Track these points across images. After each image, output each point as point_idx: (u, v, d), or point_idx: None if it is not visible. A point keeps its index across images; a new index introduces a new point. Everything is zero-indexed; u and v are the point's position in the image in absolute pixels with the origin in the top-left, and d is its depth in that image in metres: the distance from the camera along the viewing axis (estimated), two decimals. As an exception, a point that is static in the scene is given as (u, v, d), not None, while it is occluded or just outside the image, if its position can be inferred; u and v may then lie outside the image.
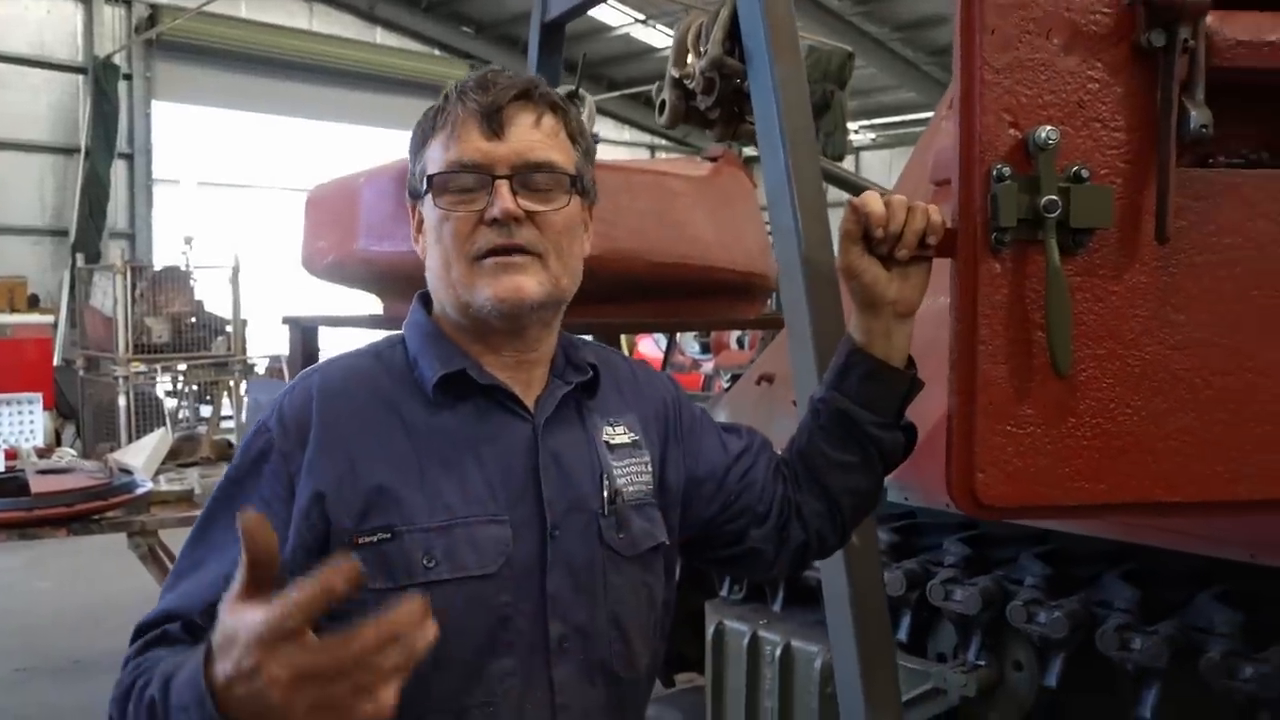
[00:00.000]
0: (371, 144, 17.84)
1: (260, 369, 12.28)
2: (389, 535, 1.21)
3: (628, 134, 22.96)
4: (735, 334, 14.18)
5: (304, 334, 5.86)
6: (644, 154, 22.78)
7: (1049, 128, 1.36)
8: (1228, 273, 1.44)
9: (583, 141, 1.37)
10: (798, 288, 1.98)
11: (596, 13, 18.30)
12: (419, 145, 1.34)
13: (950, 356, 1.43)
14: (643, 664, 1.39)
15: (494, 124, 1.27)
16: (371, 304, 5.77)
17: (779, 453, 1.59)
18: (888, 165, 22.37)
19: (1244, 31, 1.41)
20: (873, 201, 1.39)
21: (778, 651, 2.76)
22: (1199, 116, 1.36)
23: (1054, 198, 1.36)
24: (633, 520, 1.36)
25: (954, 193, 1.43)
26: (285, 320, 6.02)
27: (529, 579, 1.26)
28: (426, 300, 1.40)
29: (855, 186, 4.64)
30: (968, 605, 2.32)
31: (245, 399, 9.83)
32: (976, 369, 1.40)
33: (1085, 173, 1.38)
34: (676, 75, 2.25)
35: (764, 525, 1.51)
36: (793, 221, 1.99)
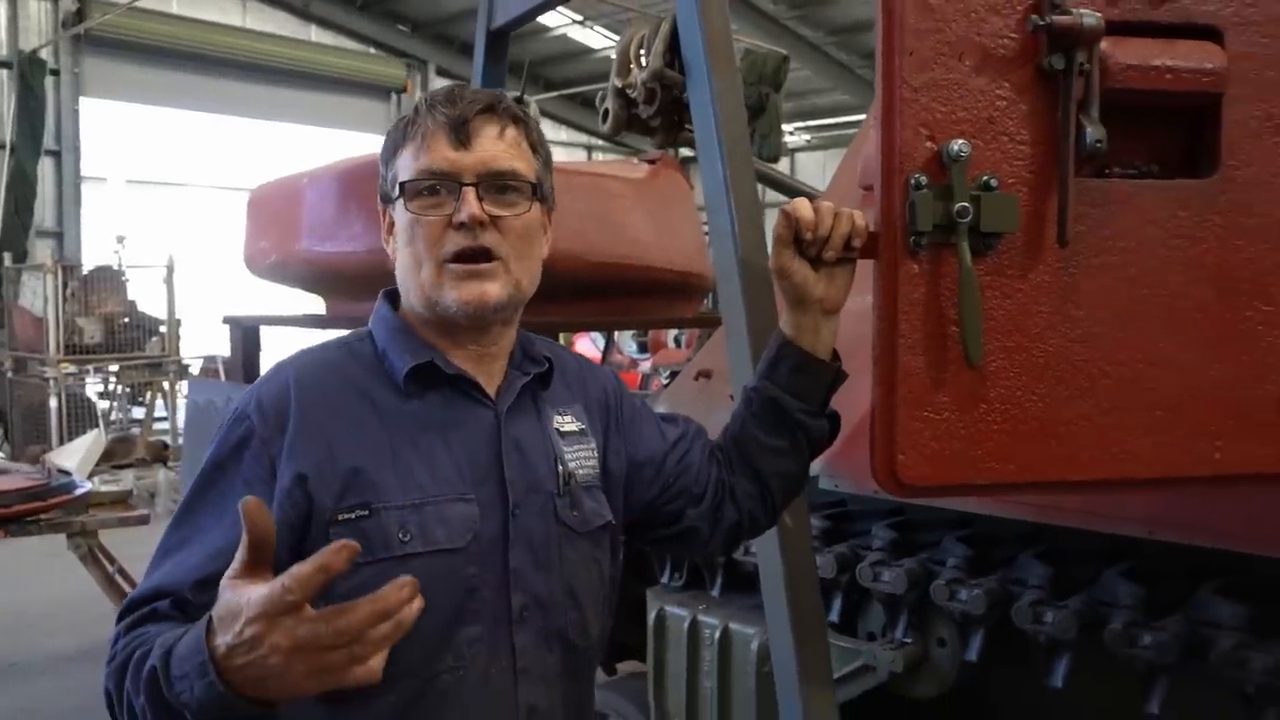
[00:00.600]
0: (308, 143, 17.71)
1: (195, 369, 12.13)
2: (366, 512, 1.31)
3: (565, 134, 23.03)
4: (672, 332, 14.35)
5: (245, 334, 5.87)
6: (581, 155, 22.87)
7: (961, 141, 1.49)
8: (1121, 273, 1.59)
9: (543, 151, 1.49)
10: (735, 288, 2.10)
11: (549, 19, 18.35)
12: (390, 154, 1.45)
13: (873, 350, 1.56)
14: (594, 633, 1.52)
15: (461, 135, 1.37)
16: (311, 304, 5.80)
17: (714, 440, 1.72)
18: (822, 167, 22.72)
19: (1133, 56, 1.56)
20: (803, 208, 1.52)
21: (716, 634, 2.88)
22: (1094, 133, 1.51)
23: (966, 205, 1.49)
24: (584, 500, 1.49)
25: (876, 199, 1.56)
26: (226, 320, 6.01)
27: (493, 553, 1.37)
28: (391, 297, 1.51)
29: (790, 188, 4.80)
30: (895, 586, 2.46)
31: (183, 399, 9.71)
32: (897, 361, 1.54)
33: (994, 182, 1.52)
34: (620, 85, 2.36)
35: (700, 505, 1.64)
36: (730, 226, 2.11)
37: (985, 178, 1.52)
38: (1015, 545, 2.51)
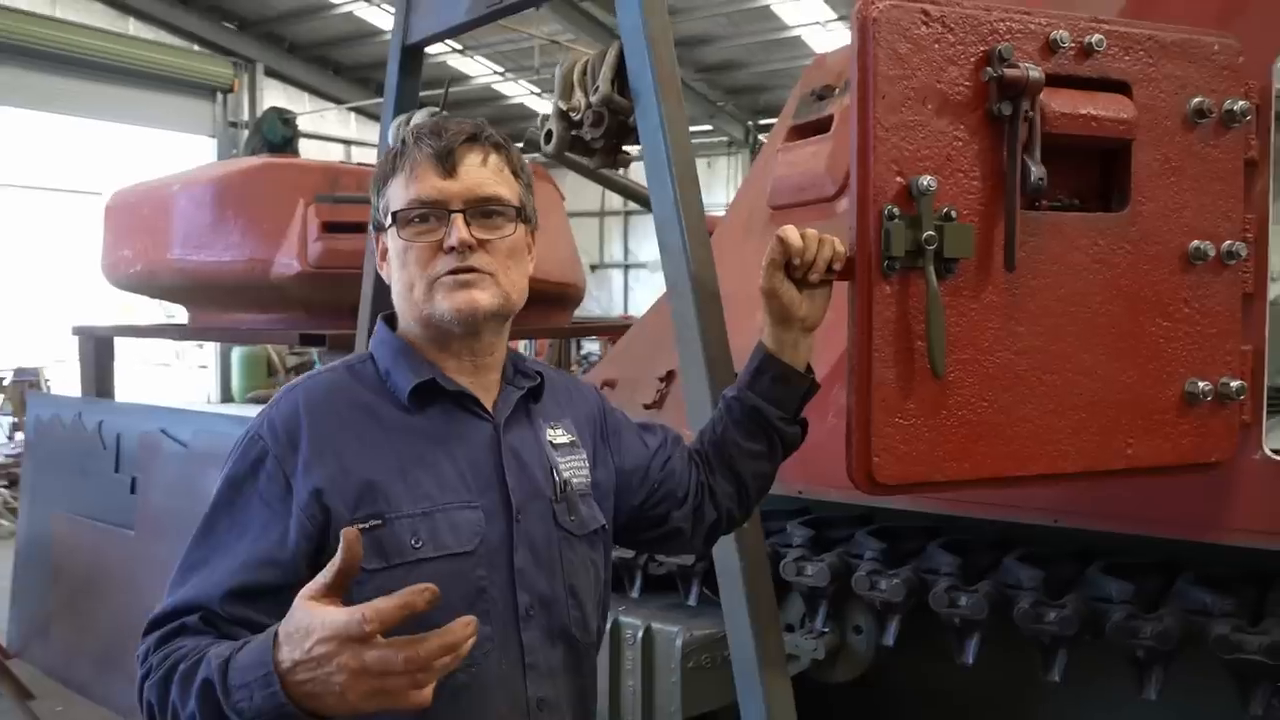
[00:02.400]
0: (128, 143, 16.78)
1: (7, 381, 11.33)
2: (380, 522, 1.39)
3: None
4: (522, 343, 14.35)
5: (98, 344, 5.61)
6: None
7: (929, 176, 1.69)
8: (1054, 294, 1.82)
9: (524, 175, 1.59)
10: (688, 303, 2.24)
11: (366, 15, 17.97)
12: (381, 184, 1.55)
13: (849, 363, 1.74)
14: (594, 628, 1.63)
15: (447, 164, 1.47)
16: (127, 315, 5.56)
17: (691, 444, 1.86)
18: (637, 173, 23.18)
19: (1065, 105, 1.79)
20: (793, 235, 1.67)
21: (639, 634, 3.00)
22: (1037, 171, 1.73)
23: (932, 233, 1.69)
24: (579, 507, 1.60)
25: (850, 227, 1.73)
26: (76, 331, 5.72)
27: (499, 556, 1.47)
28: (390, 320, 1.60)
29: (639, 195, 4.96)
30: (818, 579, 2.66)
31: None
32: (872, 372, 1.71)
33: (953, 213, 1.72)
34: (564, 108, 2.46)
35: (683, 507, 1.78)
36: (681, 244, 2.25)
37: (946, 209, 1.71)
38: (921, 537, 2.75)
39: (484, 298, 1.47)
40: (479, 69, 19.78)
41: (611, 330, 5.96)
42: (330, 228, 4.62)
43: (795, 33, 17.56)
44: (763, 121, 20.79)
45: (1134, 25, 1.86)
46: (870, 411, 1.71)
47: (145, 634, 1.34)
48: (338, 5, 17.67)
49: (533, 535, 1.51)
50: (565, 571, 1.55)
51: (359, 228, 4.68)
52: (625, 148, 2.55)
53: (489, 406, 1.55)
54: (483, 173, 1.50)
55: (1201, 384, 1.92)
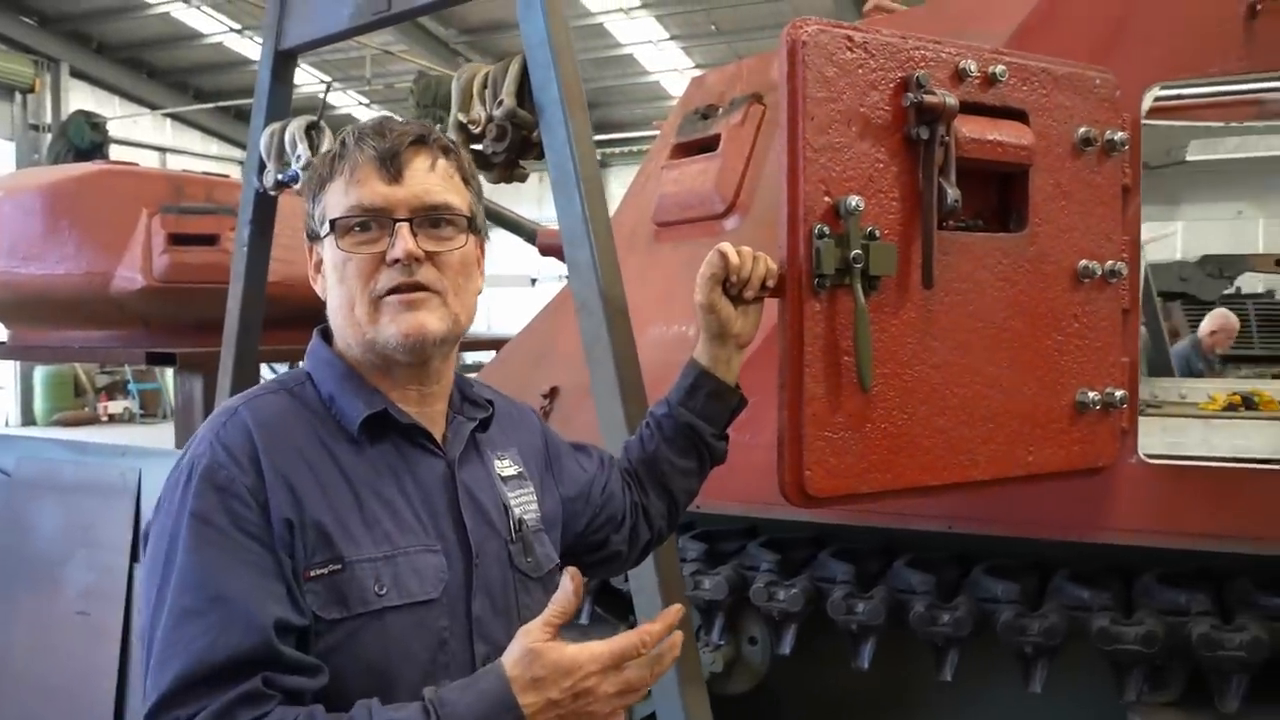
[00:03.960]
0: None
1: None
2: (339, 566, 1.25)
3: (215, 147, 21.66)
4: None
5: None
6: (233, 169, 21.57)
7: (857, 196, 1.74)
8: (963, 310, 1.91)
9: (475, 183, 1.46)
10: (598, 318, 2.23)
11: (185, 16, 17.16)
12: (317, 189, 1.40)
13: (780, 378, 1.77)
14: None
15: (392, 168, 1.34)
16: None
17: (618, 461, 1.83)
18: (487, 189, 23.00)
19: (974, 131, 1.88)
20: (732, 253, 1.68)
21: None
22: (953, 193, 1.81)
23: (859, 252, 1.74)
24: (535, 546, 1.49)
25: (780, 245, 1.76)
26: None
27: (458, 603, 1.35)
28: (326, 335, 1.44)
29: (501, 216, 4.93)
30: (715, 592, 2.69)
31: None
32: (803, 387, 1.75)
33: (877, 233, 1.77)
34: (463, 120, 2.41)
35: (621, 530, 1.74)
36: (591, 259, 2.24)
37: (870, 228, 1.77)
38: (809, 547, 2.82)
39: (433, 322, 1.34)
40: (304, 77, 19.11)
41: (483, 346, 5.85)
42: (177, 240, 4.35)
43: (628, 50, 17.81)
44: (596, 137, 20.94)
45: (1030, 58, 1.98)
46: (802, 425, 1.75)
47: (166, 709, 1.14)
48: (153, 5, 16.75)
49: (490, 580, 1.40)
50: (522, 619, 1.40)
51: (208, 240, 4.44)
52: (522, 162, 2.51)
53: (439, 439, 1.42)
54: (431, 178, 1.36)
55: (1091, 393, 2.05)
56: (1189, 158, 4.44)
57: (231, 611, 1.17)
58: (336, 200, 1.36)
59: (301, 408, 1.36)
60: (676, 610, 1.17)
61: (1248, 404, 4.58)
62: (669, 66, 18.40)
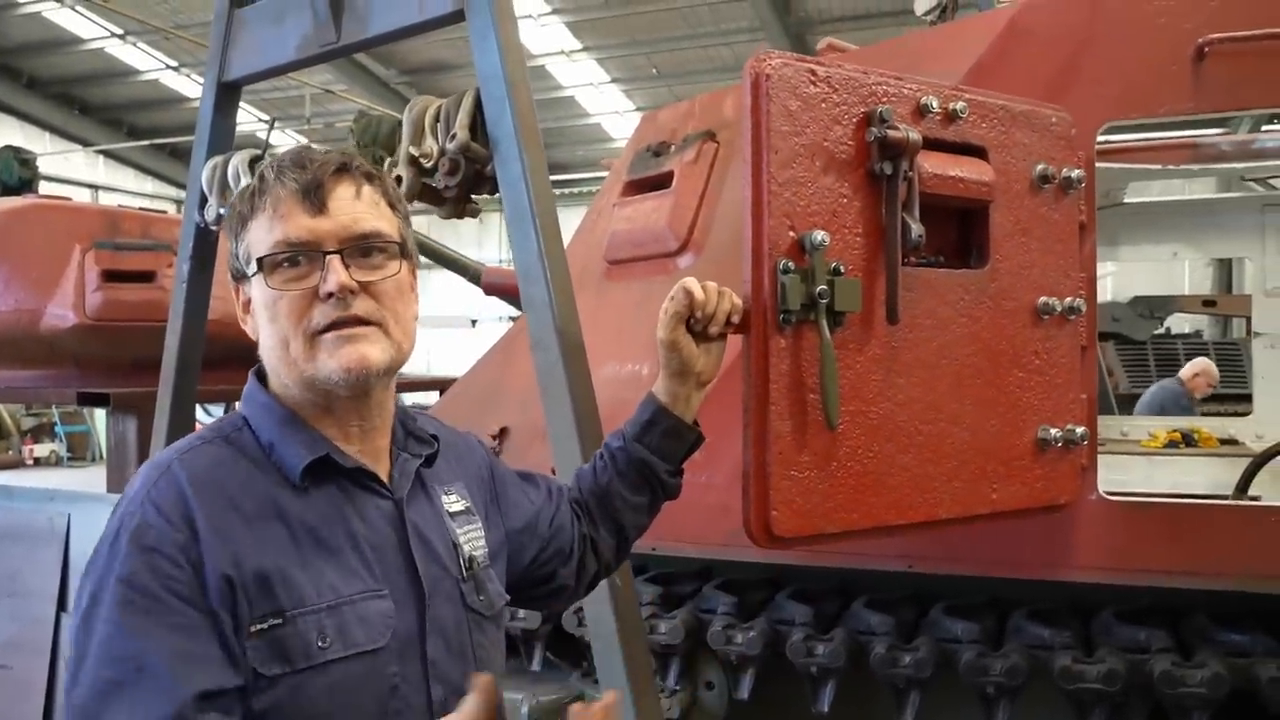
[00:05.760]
0: None
1: None
2: (280, 620, 1.21)
3: (150, 185, 21.30)
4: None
5: None
6: (168, 207, 21.20)
7: (822, 232, 1.71)
8: (926, 346, 1.89)
9: (401, 207, 1.42)
10: (554, 355, 2.17)
11: (120, 53, 16.90)
12: (238, 228, 1.35)
13: (745, 416, 1.73)
14: (505, 716, 1.50)
15: (316, 199, 1.30)
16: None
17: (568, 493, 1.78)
18: (426, 228, 22.90)
19: (936, 166, 1.88)
20: (697, 287, 1.65)
21: (481, 704, 2.86)
22: (917, 229, 1.80)
23: (825, 287, 1.71)
24: (486, 584, 1.45)
25: (744, 280, 1.73)
26: None
27: (411, 648, 1.31)
28: (261, 376, 1.38)
29: (445, 256, 4.87)
30: (671, 636, 2.62)
31: None
32: (768, 425, 1.71)
33: (842, 268, 1.75)
34: (415, 154, 2.35)
35: (570, 563, 1.69)
36: (547, 296, 2.19)
37: (835, 264, 1.74)
38: (764, 588, 2.78)
39: (374, 352, 1.29)
40: (243, 115, 18.90)
41: (423, 387, 5.75)
42: (111, 276, 4.21)
43: (569, 92, 17.91)
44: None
45: (989, 95, 1.99)
46: (768, 465, 1.71)
47: None
48: (87, 41, 16.49)
49: (443, 621, 1.35)
50: (478, 658, 1.40)
51: (144, 277, 4.31)
52: (474, 197, 2.46)
53: (384, 477, 1.38)
54: (357, 206, 1.32)
55: (1053, 430, 2.04)
56: (1127, 199, 4.53)
57: (152, 685, 1.13)
58: (261, 237, 1.31)
59: (239, 456, 1.30)
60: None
61: (1187, 441, 4.66)
62: (610, 109, 18.56)
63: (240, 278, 1.35)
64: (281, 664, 1.19)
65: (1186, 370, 6.90)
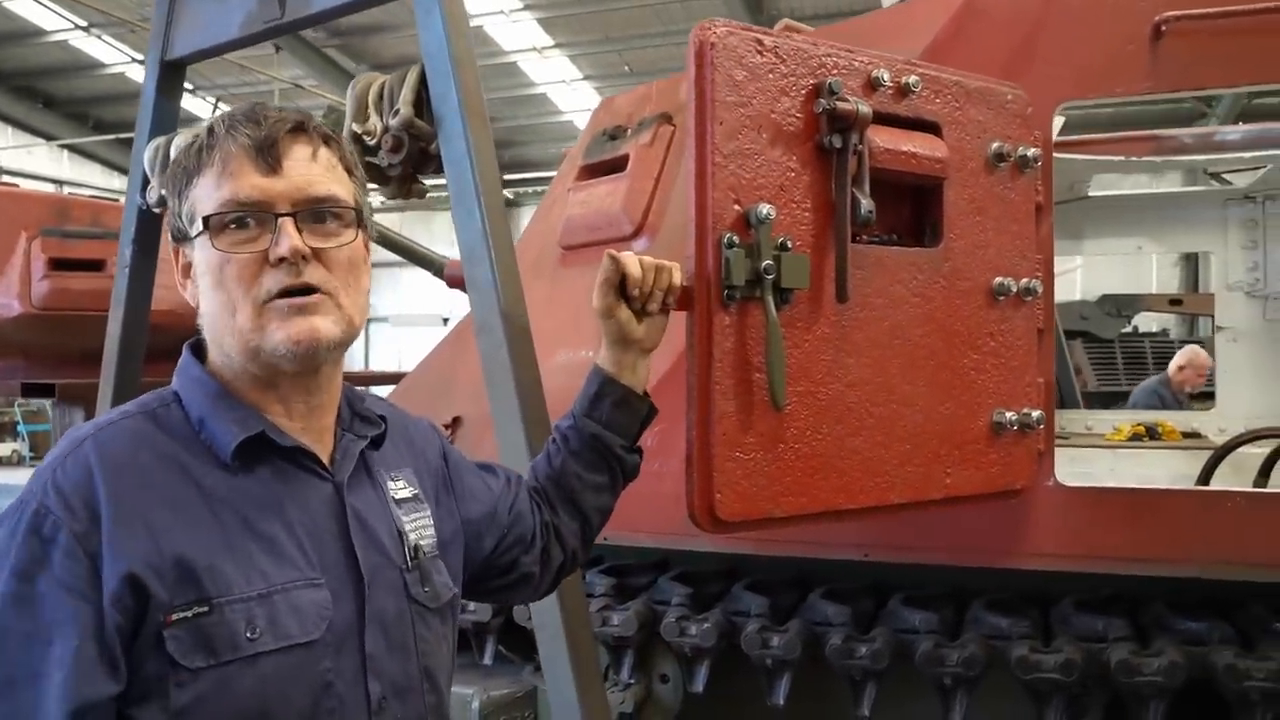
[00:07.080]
0: None
1: None
2: (205, 609, 1.14)
3: (118, 181, 21.01)
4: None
5: None
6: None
7: (768, 205, 1.66)
8: (878, 326, 1.84)
9: (358, 173, 1.35)
10: (498, 340, 2.11)
11: (84, 45, 16.66)
12: (182, 183, 1.25)
13: (689, 395, 1.67)
14: (448, 714, 1.42)
15: (270, 158, 1.22)
16: None
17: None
18: (397, 225, 22.79)
19: (888, 141, 1.83)
20: (630, 264, 1.58)
21: (430, 700, 2.79)
22: (866, 204, 1.75)
23: (770, 263, 1.66)
24: (432, 575, 1.38)
25: (687, 255, 1.68)
26: None
27: (348, 641, 1.24)
28: (197, 350, 1.30)
29: (409, 249, 4.80)
30: (625, 628, 2.56)
31: None
32: (712, 405, 1.65)
33: (789, 243, 1.70)
34: (358, 131, 2.28)
35: (532, 551, 1.61)
36: (491, 278, 2.13)
37: (781, 239, 1.69)
38: (721, 580, 2.72)
39: (325, 325, 1.22)
40: (210, 110, 18.73)
41: (376, 381, 5.67)
42: (58, 265, 4.11)
43: (541, 90, 17.83)
44: (508, 176, 20.84)
45: (943, 70, 1.94)
46: (711, 446, 1.65)
47: None
48: (50, 33, 16.22)
49: (384, 613, 1.28)
50: (420, 652, 1.33)
51: (93, 265, 4.21)
52: (420, 177, 2.39)
53: (325, 459, 1.29)
54: (313, 168, 1.24)
55: (1008, 414, 2.00)
56: (1091, 193, 4.52)
57: (32, 693, 1.08)
58: (207, 195, 1.22)
59: (160, 433, 1.22)
60: None
61: (1151, 434, 4.66)
62: (582, 106, 18.46)
63: (181, 239, 1.27)
64: (205, 655, 1.12)
65: (1173, 363, 6.57)
